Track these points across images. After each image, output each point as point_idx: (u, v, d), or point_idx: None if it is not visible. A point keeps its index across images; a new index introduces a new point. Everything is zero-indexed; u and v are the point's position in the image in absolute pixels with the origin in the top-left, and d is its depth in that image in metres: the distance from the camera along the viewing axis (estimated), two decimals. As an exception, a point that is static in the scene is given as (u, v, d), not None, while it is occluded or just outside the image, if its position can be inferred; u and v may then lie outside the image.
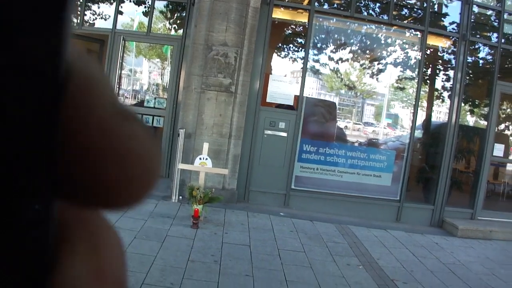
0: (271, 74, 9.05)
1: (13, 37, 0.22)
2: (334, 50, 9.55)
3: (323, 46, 9.48)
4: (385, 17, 9.21)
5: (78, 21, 9.72)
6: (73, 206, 0.31)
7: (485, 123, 9.70)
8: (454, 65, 9.43)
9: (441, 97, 10.18)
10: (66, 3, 0.24)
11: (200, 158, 7.41)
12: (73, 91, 0.26)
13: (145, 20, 10.03)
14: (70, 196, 0.29)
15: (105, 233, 0.34)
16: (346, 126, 10.02)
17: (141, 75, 12.06)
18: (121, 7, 9.90)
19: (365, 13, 9.32)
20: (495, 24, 9.69)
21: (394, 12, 9.11)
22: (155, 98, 10.42)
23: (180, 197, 7.98)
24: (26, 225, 0.25)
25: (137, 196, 0.32)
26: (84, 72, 0.28)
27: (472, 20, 9.29)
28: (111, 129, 0.29)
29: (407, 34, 9.60)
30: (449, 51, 9.77)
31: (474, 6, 9.31)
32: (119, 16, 9.81)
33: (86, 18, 10.06)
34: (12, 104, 0.23)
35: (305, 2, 9.24)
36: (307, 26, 8.91)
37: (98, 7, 10.16)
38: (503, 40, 9.49)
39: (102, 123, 0.28)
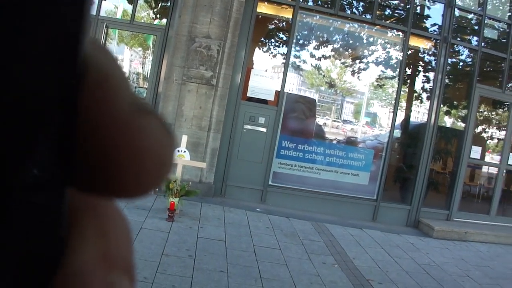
0: (252, 68, 9.01)
1: (32, 20, 0.22)
2: (316, 47, 9.55)
3: (305, 42, 9.47)
4: (369, 16, 9.22)
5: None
6: (84, 194, 0.31)
7: (463, 125, 9.77)
8: (434, 67, 9.50)
9: (421, 98, 10.25)
10: None
11: (178, 150, 7.34)
12: (91, 83, 0.27)
13: (129, 8, 9.90)
14: (83, 184, 0.29)
15: (113, 217, 0.34)
16: (325, 123, 10.03)
17: (122, 64, 11.96)
18: (106, -7, 9.78)
19: (349, 12, 9.33)
20: (476, 27, 9.76)
21: (377, 12, 9.12)
22: (135, 88, 10.31)
23: (157, 189, 7.90)
24: (24, 189, 0.24)
25: (146, 188, 0.32)
26: (102, 64, 0.28)
27: (453, 23, 9.34)
28: (128, 123, 0.29)
29: (390, 34, 9.63)
30: (430, 52, 9.83)
31: (456, 9, 9.37)
32: (103, 2, 9.67)
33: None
34: (31, 87, 0.23)
35: (290, -2, 9.22)
36: (290, 22, 8.89)
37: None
38: (483, 44, 9.56)
39: (119, 116, 0.29)
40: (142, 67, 11.69)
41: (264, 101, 8.90)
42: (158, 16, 10.28)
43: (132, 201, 0.35)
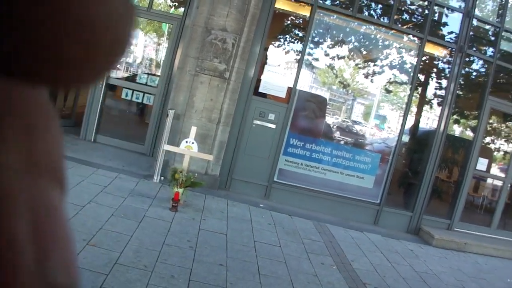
0: (266, 64, 9.02)
1: None
2: (331, 46, 9.53)
3: (321, 41, 9.46)
4: (386, 20, 9.21)
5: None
6: (9, 79, 0.27)
7: (472, 135, 9.77)
8: (448, 75, 9.48)
9: (431, 105, 10.21)
10: None
11: (186, 141, 7.39)
12: None
13: (147, -6, 9.92)
14: (11, 65, 0.26)
15: (40, 113, 0.30)
16: (334, 123, 10.03)
17: (136, 48, 11.97)
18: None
19: (366, 14, 9.31)
20: (492, 39, 9.73)
21: (395, 16, 9.11)
22: (147, 75, 10.32)
23: (162, 178, 7.96)
24: None
25: (94, 70, 0.29)
26: None
27: (470, 33, 9.32)
28: None
29: (405, 39, 9.60)
30: (445, 60, 9.80)
31: (474, 19, 9.34)
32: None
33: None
34: None
35: (309, -4, 9.22)
36: (307, 20, 8.89)
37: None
38: (498, 56, 9.54)
39: None
40: (156, 54, 11.70)
41: (273, 97, 8.93)
42: (175, 5, 10.29)
43: (83, 88, 0.29)
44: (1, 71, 0.26)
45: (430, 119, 10.28)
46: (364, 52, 9.80)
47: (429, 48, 9.58)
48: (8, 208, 0.26)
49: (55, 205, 0.30)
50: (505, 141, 10.91)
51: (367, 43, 9.76)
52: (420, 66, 9.38)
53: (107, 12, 0.26)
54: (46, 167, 0.29)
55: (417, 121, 10.12)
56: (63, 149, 0.32)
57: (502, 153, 10.91)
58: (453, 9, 9.50)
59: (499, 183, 10.42)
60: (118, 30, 0.28)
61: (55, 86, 0.29)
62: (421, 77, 10.07)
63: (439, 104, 9.70)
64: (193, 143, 7.36)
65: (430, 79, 10.28)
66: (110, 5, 0.27)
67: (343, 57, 9.64)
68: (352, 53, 9.71)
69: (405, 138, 9.87)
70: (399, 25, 9.34)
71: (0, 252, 0.26)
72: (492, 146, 10.79)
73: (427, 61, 9.95)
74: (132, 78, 10.37)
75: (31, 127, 0.28)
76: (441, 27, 9.71)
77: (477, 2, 9.30)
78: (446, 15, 9.68)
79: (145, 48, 12.02)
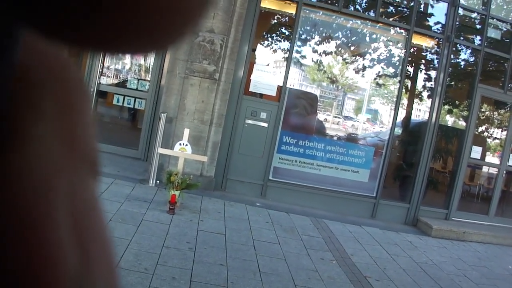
0: (255, 63, 9.02)
1: None
2: (319, 43, 9.54)
3: (308, 38, 9.47)
4: (372, 13, 9.23)
5: None
6: (58, 41, 0.22)
7: (464, 124, 9.79)
8: (436, 66, 9.51)
9: (422, 96, 10.23)
10: None
11: (180, 144, 7.38)
12: None
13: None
14: (63, 25, 0.21)
15: (80, 90, 0.27)
16: (326, 119, 10.03)
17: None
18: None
19: (352, 9, 9.33)
20: (479, 27, 9.76)
21: (381, 9, 9.13)
22: (138, 80, 10.31)
23: (158, 181, 7.94)
24: None
25: (183, 26, 0.25)
26: None
27: (457, 22, 9.34)
28: None
29: (392, 31, 9.62)
30: (433, 51, 9.83)
31: (460, 8, 9.37)
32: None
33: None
34: None
35: (294, -6, 9.23)
36: (294, 18, 8.90)
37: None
38: (486, 44, 9.57)
39: None
40: (144, 59, 11.68)
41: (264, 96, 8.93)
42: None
43: (161, 51, 0.25)
44: (45, 28, 0.21)
45: (421, 111, 10.31)
46: (352, 47, 9.82)
47: (417, 40, 9.61)
48: (48, 201, 0.22)
49: (96, 200, 0.27)
50: (498, 128, 10.93)
51: (354, 38, 9.77)
52: (409, 58, 9.41)
53: None
54: (84, 152, 0.26)
55: (408, 113, 10.13)
56: (97, 137, 0.28)
57: (495, 140, 10.93)
58: (438, -1, 9.53)
59: (494, 170, 10.43)
60: None
61: (122, 50, 0.24)
62: (410, 69, 10.10)
63: (429, 96, 9.72)
64: (186, 145, 7.35)
65: (419, 70, 10.30)
66: None
67: (331, 53, 9.65)
68: (340, 49, 9.73)
69: (398, 131, 9.89)
70: (385, 18, 9.36)
71: (39, 258, 0.22)
72: (485, 134, 10.81)
73: (415, 53, 9.98)
74: (122, 84, 10.35)
75: (71, 106, 0.25)
76: (427, 18, 9.74)
77: (462, -9, 9.33)
78: (432, 6, 9.71)
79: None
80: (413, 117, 10.28)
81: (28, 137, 0.22)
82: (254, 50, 9.11)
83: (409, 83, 10.17)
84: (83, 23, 0.20)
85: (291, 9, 9.05)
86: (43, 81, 0.24)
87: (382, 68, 9.78)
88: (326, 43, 9.60)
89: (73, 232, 0.24)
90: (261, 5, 8.71)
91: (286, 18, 9.58)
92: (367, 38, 9.74)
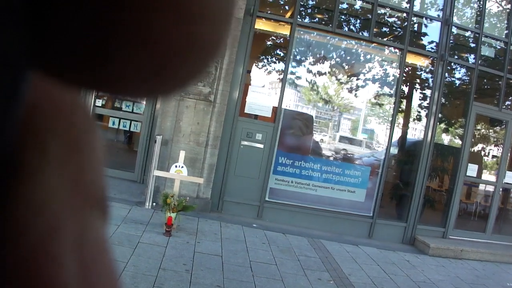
0: (250, 84, 9.05)
1: None
2: (313, 63, 9.58)
3: (303, 59, 9.50)
4: (366, 33, 9.28)
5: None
6: (66, 84, 0.22)
7: (460, 142, 9.80)
8: (431, 84, 9.54)
9: (418, 115, 10.26)
10: None
11: (176, 166, 7.38)
12: None
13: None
14: (72, 65, 0.21)
15: (88, 130, 0.27)
16: (322, 139, 10.04)
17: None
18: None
19: (346, 29, 9.38)
20: (473, 45, 9.82)
21: (374, 29, 9.18)
22: (133, 102, 10.32)
23: (154, 203, 7.92)
24: None
25: (204, 59, 0.24)
26: None
27: (450, 41, 9.40)
28: None
29: (387, 51, 9.67)
30: (427, 70, 9.87)
31: (453, 27, 9.43)
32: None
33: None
34: None
35: (288, 15, 9.27)
36: (288, 39, 8.94)
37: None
38: (480, 62, 9.62)
39: None
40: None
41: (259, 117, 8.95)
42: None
43: (177, 92, 0.26)
44: (51, 71, 0.21)
45: (417, 130, 10.32)
46: (347, 67, 9.86)
47: (411, 59, 9.66)
48: (55, 246, 0.22)
49: (105, 242, 0.27)
50: (494, 145, 10.95)
51: (348, 58, 9.82)
52: (403, 78, 9.46)
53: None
54: (93, 193, 0.26)
55: (404, 133, 10.16)
56: (106, 173, 0.28)
57: (491, 158, 10.94)
58: (431, 19, 9.60)
59: (491, 188, 10.43)
60: (221, 20, 0.24)
61: (129, 94, 0.24)
62: (405, 89, 10.14)
63: (425, 114, 9.74)
64: (182, 167, 7.35)
65: (414, 89, 10.34)
66: None
67: (326, 74, 9.68)
68: (334, 69, 9.76)
69: (394, 150, 9.90)
70: (379, 38, 9.41)
71: None
72: (481, 151, 10.83)
73: (409, 72, 10.03)
74: (118, 107, 10.36)
75: (77, 143, 0.25)
76: (421, 37, 9.81)
77: (455, 10, 9.40)
78: (425, 25, 9.78)
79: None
80: (409, 136, 10.30)
81: (34, 181, 0.22)
82: (249, 71, 9.15)
83: (404, 102, 10.21)
84: (89, 68, 0.21)
85: (285, 30, 9.10)
86: (50, 122, 0.24)
87: (378, 88, 9.81)
88: (320, 63, 9.63)
89: (80, 276, 0.23)
90: (256, 26, 8.75)
91: (281, 39, 9.63)
92: (362, 58, 9.79)
